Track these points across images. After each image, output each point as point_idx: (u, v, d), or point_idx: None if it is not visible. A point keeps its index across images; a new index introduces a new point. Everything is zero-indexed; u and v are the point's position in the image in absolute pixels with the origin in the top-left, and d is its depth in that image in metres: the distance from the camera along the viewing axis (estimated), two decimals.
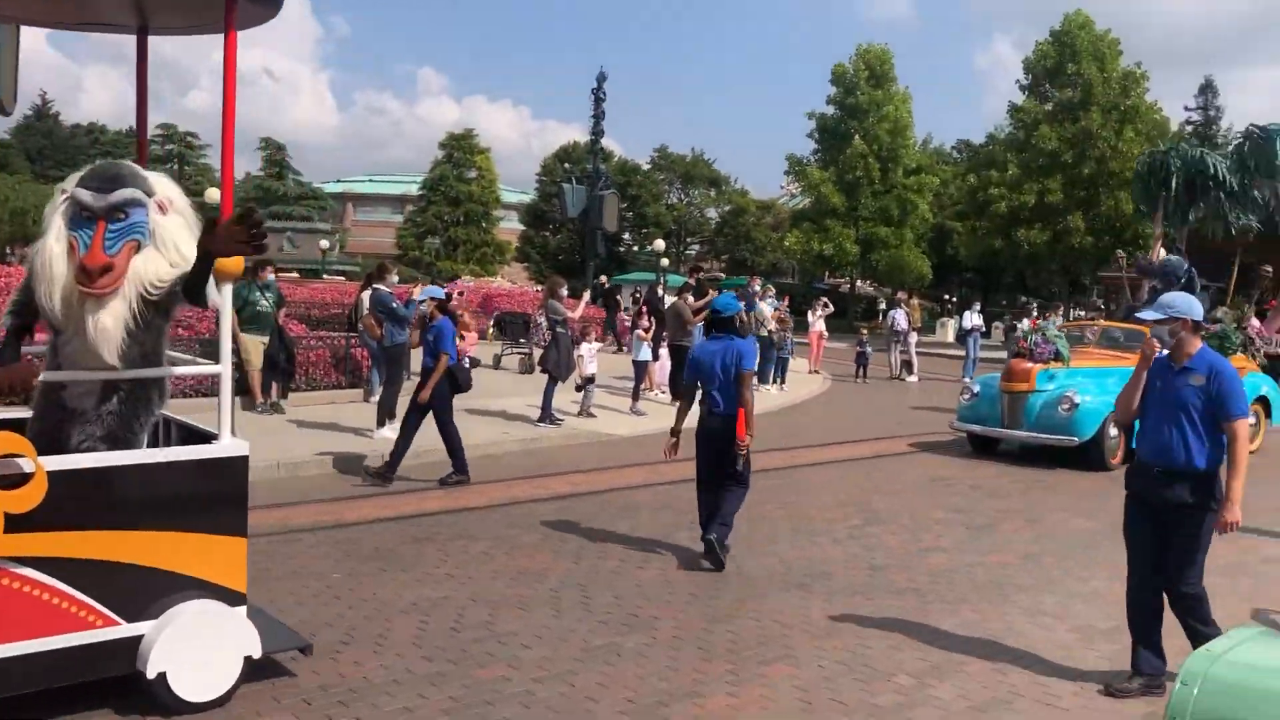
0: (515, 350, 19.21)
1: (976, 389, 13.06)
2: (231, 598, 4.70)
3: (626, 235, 65.00)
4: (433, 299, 9.95)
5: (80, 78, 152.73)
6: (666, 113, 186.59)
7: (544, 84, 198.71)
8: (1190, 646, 4.85)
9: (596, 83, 32.81)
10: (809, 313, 25.32)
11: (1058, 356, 12.55)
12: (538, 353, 15.81)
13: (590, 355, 13.56)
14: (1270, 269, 16.12)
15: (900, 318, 24.58)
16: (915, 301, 27.15)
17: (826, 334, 25.10)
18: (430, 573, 6.84)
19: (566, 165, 60.06)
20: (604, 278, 37.86)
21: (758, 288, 20.66)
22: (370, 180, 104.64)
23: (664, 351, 16.56)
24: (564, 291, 13.43)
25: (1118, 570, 7.59)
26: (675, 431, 7.60)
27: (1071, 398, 11.78)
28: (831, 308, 25.74)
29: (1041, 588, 7.10)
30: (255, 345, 12.54)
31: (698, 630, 5.91)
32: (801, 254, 52.08)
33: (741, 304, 8.76)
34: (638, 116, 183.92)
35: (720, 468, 7.29)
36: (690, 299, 16.73)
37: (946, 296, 66.57)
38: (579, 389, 13.74)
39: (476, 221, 68.42)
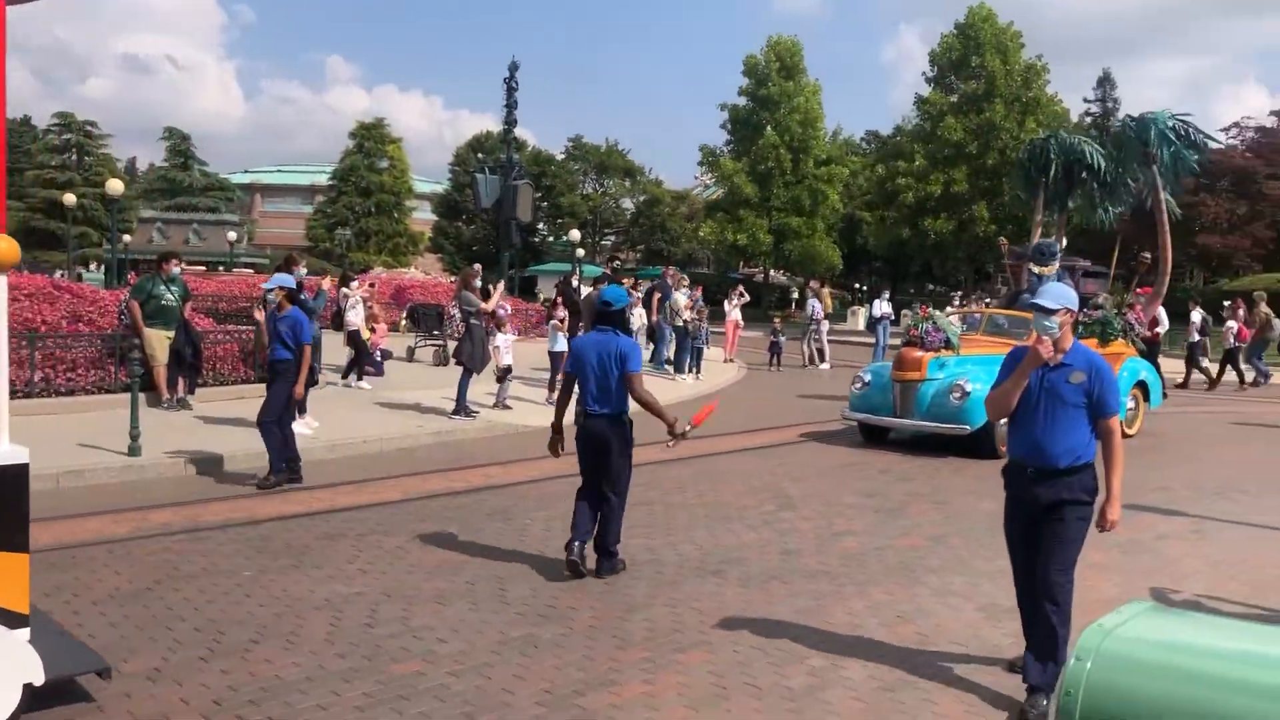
0: (429, 342, 19.03)
1: (868, 378, 12.90)
2: (8, 619, 4.20)
3: (542, 226, 64.79)
4: (282, 288, 9.45)
5: None
6: (582, 103, 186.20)
7: (456, 73, 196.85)
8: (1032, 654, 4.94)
9: (509, 72, 32.33)
10: (725, 302, 25.55)
11: (948, 344, 12.42)
12: (453, 344, 15.68)
13: (506, 346, 13.49)
14: (1149, 255, 16.25)
15: (816, 306, 24.93)
16: (826, 290, 27.52)
17: (742, 323, 25.34)
18: (343, 569, 6.76)
19: (480, 155, 59.62)
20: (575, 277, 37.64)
21: (675, 278, 20.81)
22: (279, 171, 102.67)
23: None
24: (477, 282, 13.34)
25: None
26: (556, 427, 7.04)
27: (963, 386, 11.65)
28: (748, 297, 25.99)
29: (950, 568, 7.28)
30: (160, 340, 12.24)
31: (614, 619, 5.94)
32: (716, 244, 52.53)
33: (636, 295, 8.77)
34: (552, 106, 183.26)
35: (597, 473, 6.86)
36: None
37: (857, 285, 67.66)
38: (498, 380, 13.67)
39: (388, 212, 67.66)
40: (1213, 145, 19.16)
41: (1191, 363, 22.09)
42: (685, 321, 19.42)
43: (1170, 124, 15.94)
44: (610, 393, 6.74)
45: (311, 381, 9.43)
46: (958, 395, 11.65)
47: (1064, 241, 30.48)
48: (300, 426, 11.03)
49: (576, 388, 6.98)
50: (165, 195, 68.17)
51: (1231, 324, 22.40)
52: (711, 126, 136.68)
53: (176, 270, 12.57)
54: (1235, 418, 16.61)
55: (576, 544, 6.68)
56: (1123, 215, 17.34)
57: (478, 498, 9.08)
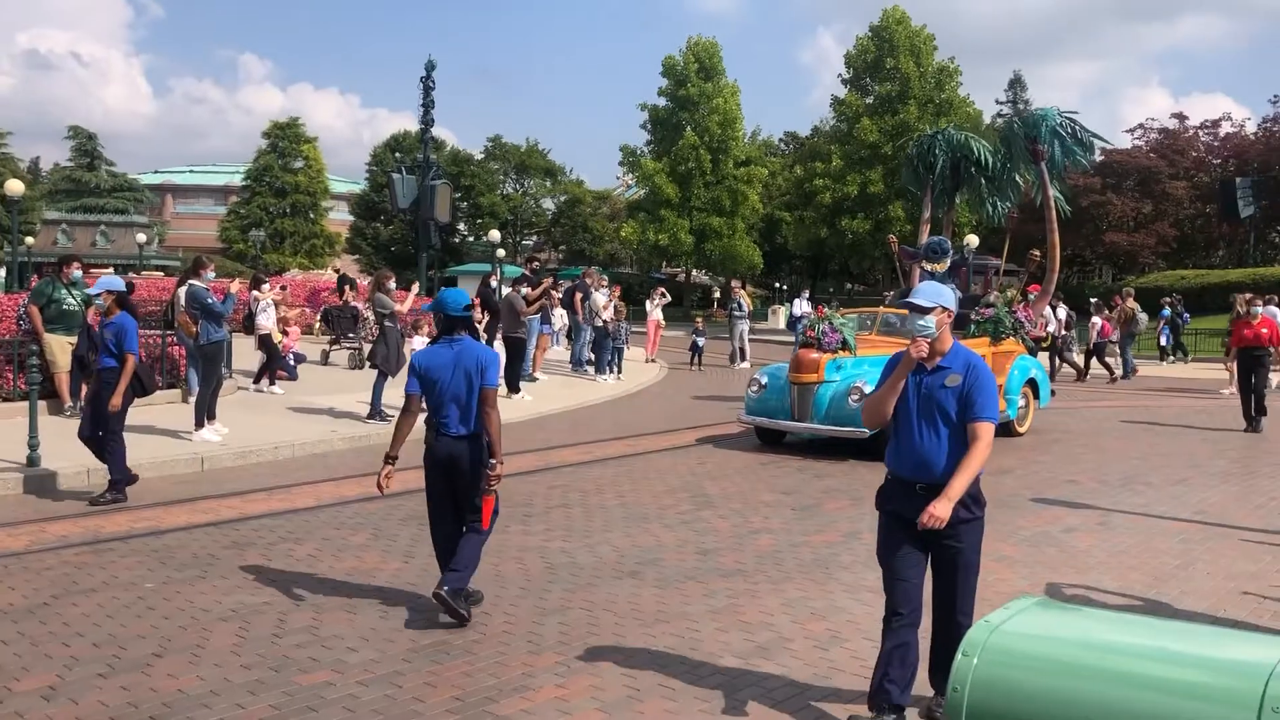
0: (344, 345, 18.74)
1: (764, 380, 12.51)
2: None
3: (462, 226, 64.31)
4: (109, 292, 8.81)
5: None
6: (502, 103, 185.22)
7: (373, 72, 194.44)
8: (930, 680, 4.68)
9: (425, 71, 32.10)
10: (647, 302, 25.61)
11: (845, 345, 12.08)
12: (368, 347, 15.46)
13: (420, 348, 13.31)
14: (1038, 253, 15.88)
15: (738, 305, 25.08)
16: (747, 289, 27.75)
17: (663, 323, 25.42)
18: (252, 578, 6.61)
19: (398, 155, 58.94)
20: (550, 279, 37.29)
21: (594, 278, 20.78)
22: (190, 171, 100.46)
23: (499, 344, 16.47)
24: (391, 284, 13.15)
25: None
26: (391, 457, 6.08)
27: (861, 388, 11.25)
28: (669, 297, 26.09)
29: (864, 564, 7.34)
30: (61, 345, 11.87)
31: (528, 624, 5.90)
32: (637, 244, 52.61)
33: (556, 296, 8.69)
34: (472, 106, 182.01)
35: (457, 503, 6.01)
36: (525, 290, 16.70)
37: (777, 284, 68.30)
38: None
39: (304, 213, 66.57)
40: (1102, 144, 19.28)
41: (1060, 356, 23.04)
42: (605, 322, 19.42)
43: (1059, 121, 15.89)
44: (472, 410, 5.89)
45: (143, 391, 8.86)
46: (856, 397, 11.30)
47: (975, 240, 31.04)
48: (209, 433, 10.81)
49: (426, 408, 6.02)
50: (71, 196, 66.04)
51: (1096, 320, 23.43)
52: (632, 126, 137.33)
53: (78, 274, 12.20)
54: (1135, 413, 17.07)
55: (445, 586, 5.75)
56: (1010, 212, 17.35)
57: (393, 503, 8.93)
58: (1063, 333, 23.10)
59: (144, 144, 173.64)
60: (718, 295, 56.68)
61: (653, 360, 24.00)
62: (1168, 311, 27.91)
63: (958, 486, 4.37)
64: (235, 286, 10.89)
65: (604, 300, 19.88)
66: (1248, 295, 16.17)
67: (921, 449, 4.53)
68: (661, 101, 52.04)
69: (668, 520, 8.55)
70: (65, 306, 11.96)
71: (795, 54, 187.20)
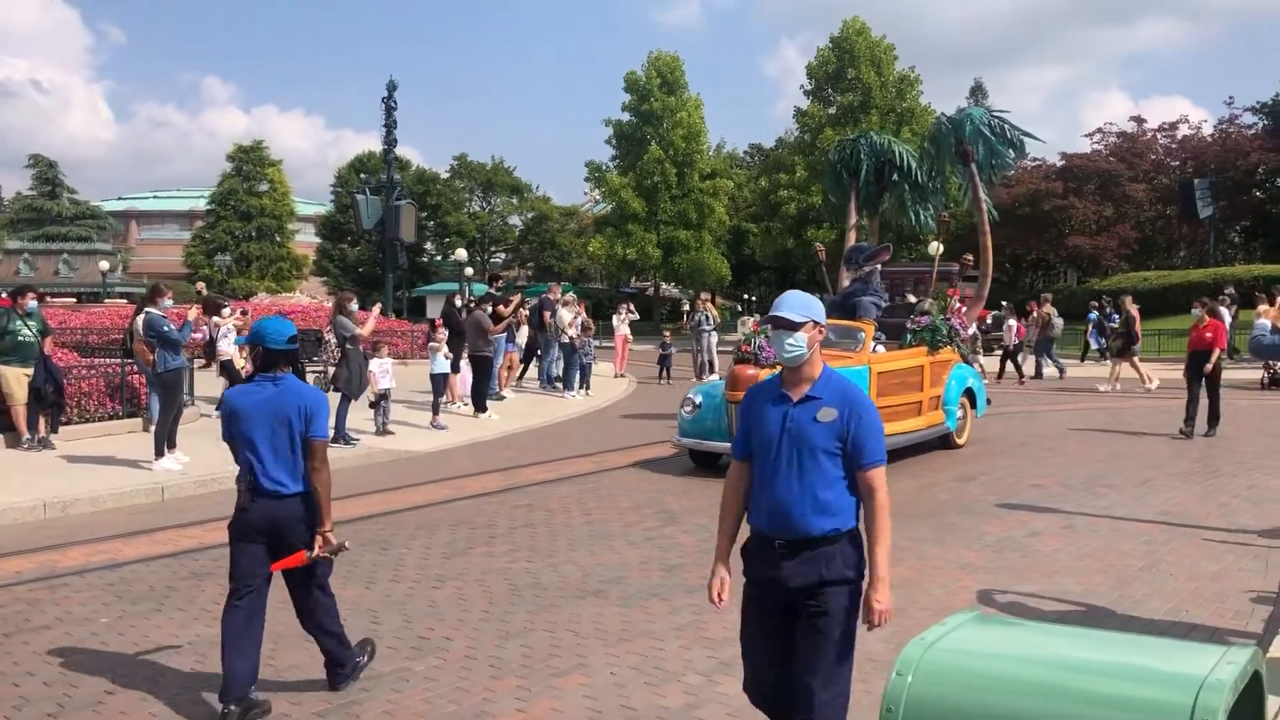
0: (309, 369, 18.56)
1: (698, 400, 11.73)
2: None
3: (429, 245, 64.15)
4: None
5: None
6: (468, 121, 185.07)
7: (338, 93, 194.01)
8: None
9: (387, 91, 32.14)
10: (614, 316, 25.60)
11: None
12: (331, 370, 15.32)
13: (383, 371, 13.23)
14: (971, 257, 15.01)
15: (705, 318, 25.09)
16: (715, 302, 27.79)
17: (631, 337, 25.40)
18: (209, 609, 6.49)
19: (362, 175, 58.69)
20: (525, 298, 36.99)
21: (558, 294, 20.74)
22: (155, 196, 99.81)
23: (465, 363, 16.42)
24: (353, 306, 13.07)
25: (897, 553, 7.93)
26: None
27: None
28: (635, 313, 26.09)
29: None
30: (17, 377, 11.69)
31: (490, 648, 5.84)
32: (606, 259, 52.62)
33: (524, 313, 8.55)
34: (438, 125, 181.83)
35: (264, 574, 5.03)
36: (489, 308, 16.65)
37: (746, 295, 68.48)
38: (372, 405, 13.41)
39: (270, 236, 66.28)
40: (1036, 143, 18.62)
41: (1012, 361, 23.78)
42: (571, 338, 19.37)
43: (986, 121, 15.18)
44: (295, 462, 5.05)
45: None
46: None
47: (939, 247, 31.11)
48: (169, 462, 10.69)
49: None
50: (33, 225, 65.37)
51: (1011, 323, 24.00)
52: (597, 142, 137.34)
53: (33, 304, 12.02)
54: (1098, 416, 17.17)
55: (233, 704, 4.74)
56: (943, 217, 16.07)
57: (355, 528, 8.84)
58: (1016, 340, 23.77)
59: (108, 170, 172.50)
60: (686, 308, 56.81)
61: (621, 375, 23.96)
62: (1094, 315, 28.54)
63: (883, 561, 3.68)
64: (193, 313, 10.76)
65: (569, 317, 19.84)
66: (1204, 300, 15.65)
67: (782, 496, 3.71)
68: (625, 117, 52.15)
69: (632, 537, 8.50)
70: (20, 338, 11.77)
71: (759, 66, 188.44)
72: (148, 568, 7.51)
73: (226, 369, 15.02)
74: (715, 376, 23.93)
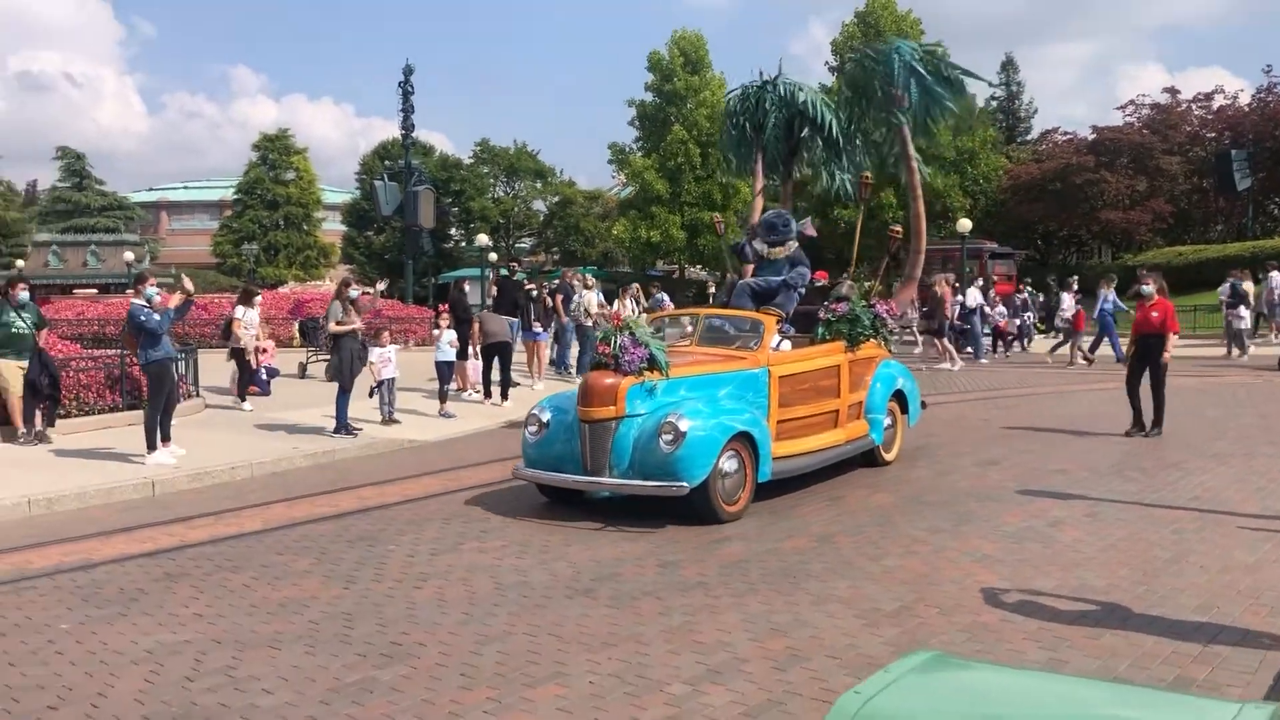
0: (320, 357, 18.32)
1: (545, 416, 8.95)
2: None
3: (454, 231, 63.89)
4: None
5: None
6: (494, 106, 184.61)
7: (366, 80, 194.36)
8: None
9: (404, 75, 31.79)
10: (615, 301, 25.19)
11: (653, 365, 8.59)
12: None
13: (383, 360, 12.84)
14: (899, 229, 11.82)
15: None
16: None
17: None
18: (176, 613, 6.19)
19: (386, 162, 58.43)
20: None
21: (575, 279, 20.37)
22: (185, 187, 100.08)
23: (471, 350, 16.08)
24: (353, 292, 12.68)
25: (909, 544, 7.57)
26: None
27: (675, 424, 8.11)
28: (642, 299, 25.65)
29: (834, 571, 6.92)
30: (12, 370, 11.47)
31: (465, 654, 5.47)
32: (630, 242, 52.12)
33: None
34: (464, 110, 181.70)
35: None
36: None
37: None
38: (371, 394, 13.06)
39: (297, 224, 66.19)
40: (979, 83, 15.04)
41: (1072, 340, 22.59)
42: (595, 322, 18.94)
43: (918, 56, 12.61)
44: None
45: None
46: (669, 438, 8.11)
47: (968, 224, 30.09)
48: (163, 455, 10.41)
49: None
50: (62, 217, 65.69)
51: (1069, 302, 23.21)
52: (621, 124, 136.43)
53: (24, 295, 11.78)
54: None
55: None
56: (864, 178, 12.09)
57: (344, 523, 8.52)
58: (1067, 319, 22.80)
59: (139, 162, 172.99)
60: (712, 290, 56.25)
61: None
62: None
63: None
64: (174, 301, 10.44)
65: (597, 299, 19.54)
66: (1148, 273, 13.15)
67: None
68: (649, 97, 51.54)
69: (631, 531, 8.10)
70: (14, 330, 11.54)
71: (786, 45, 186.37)
72: (121, 568, 7.21)
73: (237, 356, 14.80)
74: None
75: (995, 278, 32.65)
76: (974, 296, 24.19)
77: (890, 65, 12.41)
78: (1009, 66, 62.72)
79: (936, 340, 21.49)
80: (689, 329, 10.26)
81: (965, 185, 45.76)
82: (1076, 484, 9.55)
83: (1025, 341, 26.79)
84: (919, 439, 12.05)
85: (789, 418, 9.35)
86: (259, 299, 15.72)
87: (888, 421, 10.72)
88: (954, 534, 7.83)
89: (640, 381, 8.50)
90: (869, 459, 10.50)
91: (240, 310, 15.05)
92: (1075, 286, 23.98)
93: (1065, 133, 52.27)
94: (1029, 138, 58.53)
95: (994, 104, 58.94)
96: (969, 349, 24.00)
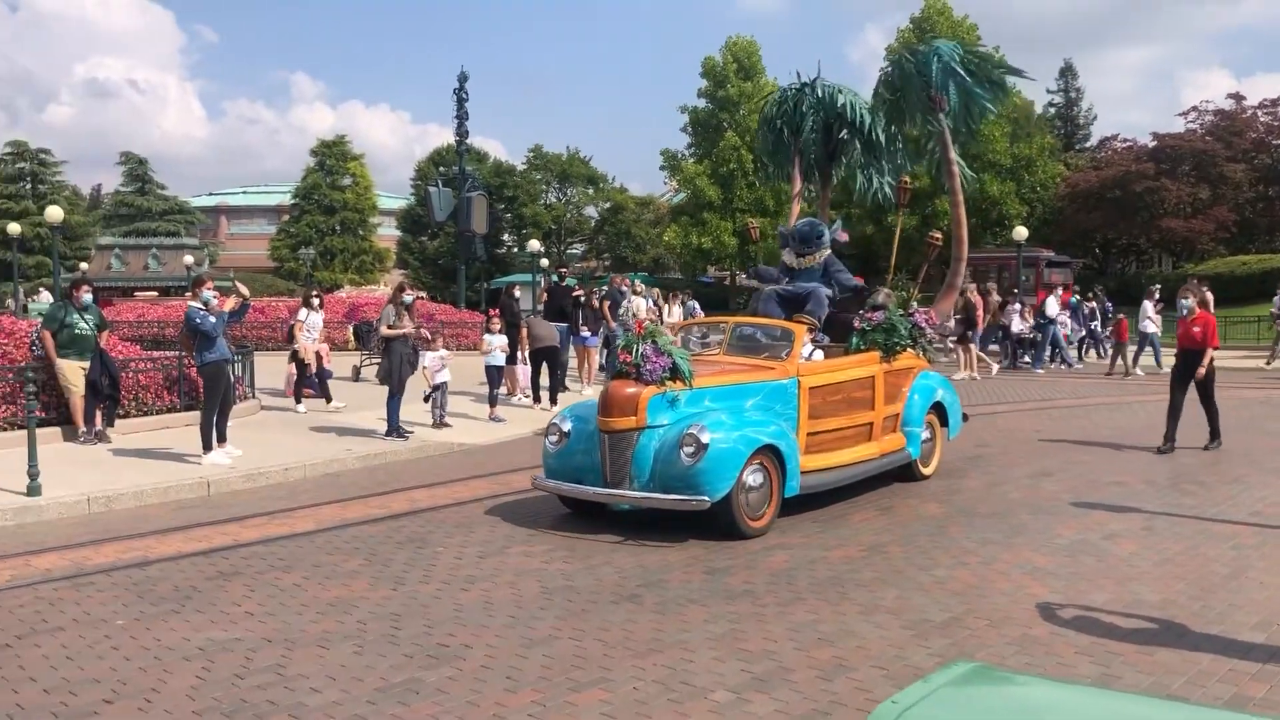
0: (373, 360, 18.50)
1: (567, 426, 8.74)
2: None
3: (506, 236, 64.31)
4: None
5: None
6: (545, 112, 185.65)
7: (422, 87, 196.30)
8: None
9: (458, 82, 31.97)
10: (670, 305, 25.26)
11: (676, 374, 8.33)
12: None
13: (436, 363, 12.95)
14: (939, 235, 11.75)
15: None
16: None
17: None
18: (228, 611, 6.28)
19: (440, 169, 58.96)
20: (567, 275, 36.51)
21: (625, 284, 20.44)
22: (244, 192, 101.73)
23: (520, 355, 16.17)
24: (408, 297, 12.80)
25: (960, 555, 7.48)
26: None
27: (697, 435, 7.87)
28: (695, 304, 25.71)
29: (882, 581, 6.86)
30: (75, 370, 11.71)
31: (510, 657, 5.49)
32: (681, 248, 52.15)
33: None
34: (516, 117, 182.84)
35: None
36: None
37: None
38: (426, 399, 13.18)
39: (353, 229, 67.04)
40: (1019, 80, 14.40)
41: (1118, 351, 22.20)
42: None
43: (958, 58, 12.01)
44: None
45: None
46: (690, 450, 7.87)
47: (1024, 231, 29.63)
48: (219, 456, 10.58)
49: None
50: (125, 221, 67.14)
51: (1152, 313, 22.66)
52: (673, 130, 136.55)
53: (88, 297, 12.04)
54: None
55: None
56: (902, 181, 12.26)
57: (394, 525, 8.60)
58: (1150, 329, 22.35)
59: (200, 166, 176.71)
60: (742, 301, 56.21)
61: None
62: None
63: None
64: (229, 305, 10.60)
65: (646, 305, 19.55)
66: (1194, 285, 12.85)
67: None
68: (701, 103, 51.59)
69: (678, 537, 8.08)
70: (78, 331, 11.80)
71: (843, 51, 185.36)
72: (176, 566, 7.32)
73: (297, 359, 14.97)
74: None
75: (1056, 287, 32.24)
76: (1053, 306, 23.58)
77: (929, 67, 11.90)
78: (1067, 72, 61.98)
79: (961, 347, 21.22)
80: (718, 338, 9.98)
81: (1022, 193, 45.21)
82: (1132, 496, 9.38)
83: (1101, 349, 26.34)
84: (971, 449, 11.92)
85: (819, 430, 9.05)
86: (319, 302, 15.89)
87: (926, 435, 10.41)
88: (1006, 545, 7.72)
89: (662, 391, 8.28)
90: (906, 473, 10.17)
91: (303, 313, 15.22)
92: (1157, 294, 23.42)
93: (1125, 140, 51.52)
94: (1087, 145, 57.73)
95: (1051, 111, 58.22)
96: (1026, 358, 23.70)
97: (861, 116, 12.89)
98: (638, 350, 8.27)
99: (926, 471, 10.42)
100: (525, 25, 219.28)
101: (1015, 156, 45.57)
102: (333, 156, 67.34)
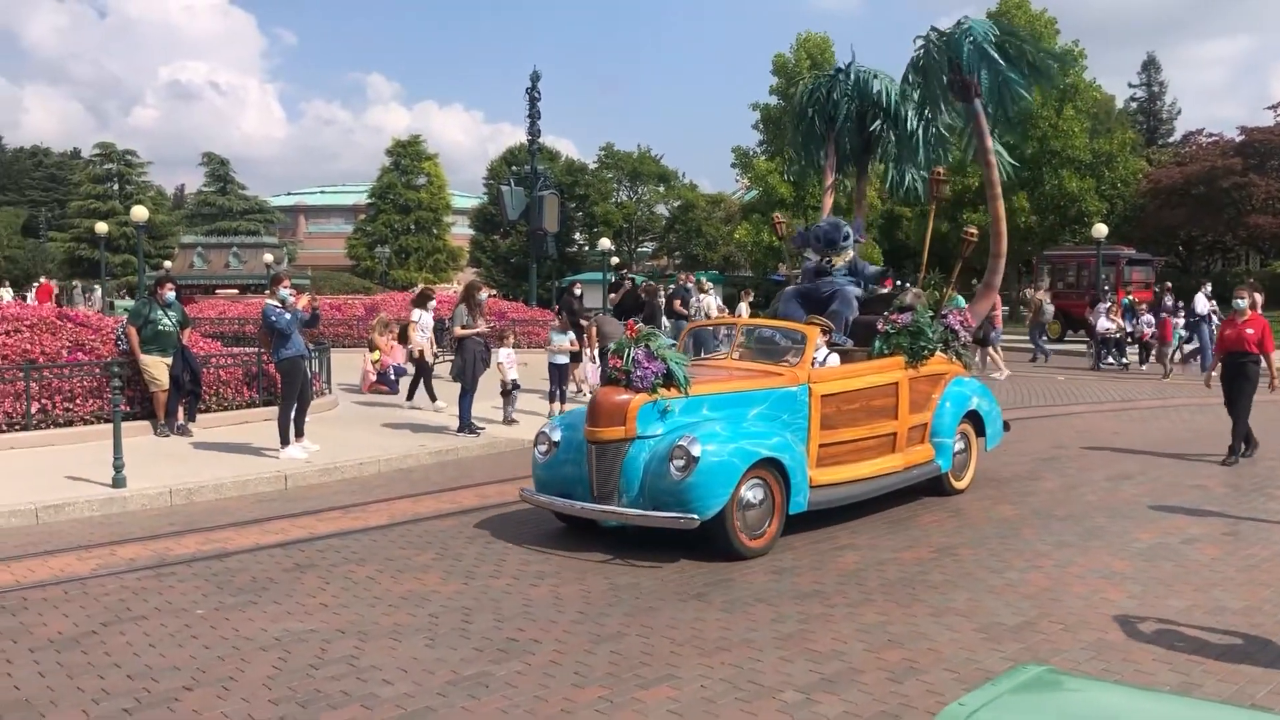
0: (446, 358, 18.72)
1: (557, 436, 8.18)
2: None
3: (578, 235, 64.58)
4: None
5: (19, 98, 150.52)
6: (620, 111, 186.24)
7: (495, 87, 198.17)
8: None
9: (531, 82, 32.24)
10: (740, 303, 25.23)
11: (669, 381, 7.75)
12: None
13: (509, 361, 13.07)
14: (975, 231, 10.52)
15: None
16: None
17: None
18: (304, 603, 6.41)
19: (513, 168, 59.47)
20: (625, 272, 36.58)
21: (691, 282, 20.44)
22: (321, 191, 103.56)
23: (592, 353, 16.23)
24: (482, 295, 12.91)
25: (1034, 558, 7.36)
26: None
27: (687, 448, 7.25)
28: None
29: (953, 583, 6.78)
30: (158, 366, 12.03)
31: (579, 652, 5.52)
32: (752, 246, 51.90)
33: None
34: (589, 115, 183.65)
35: None
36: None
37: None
38: (503, 395, 13.30)
39: (427, 228, 67.82)
40: (1059, 64, 13.29)
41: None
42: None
43: (991, 38, 11.01)
44: None
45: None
46: (680, 463, 7.27)
47: (1103, 229, 29.00)
48: (296, 450, 10.78)
49: None
50: (207, 220, 68.86)
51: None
52: (744, 127, 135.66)
53: (171, 294, 12.36)
54: (1273, 406, 15.74)
55: None
56: (936, 173, 10.97)
57: (466, 519, 8.70)
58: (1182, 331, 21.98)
59: (280, 166, 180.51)
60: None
61: None
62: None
63: None
64: (303, 302, 10.81)
65: (716, 303, 19.55)
66: (1250, 283, 12.17)
67: None
68: (773, 100, 51.24)
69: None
70: (161, 327, 12.12)
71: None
72: (253, 558, 7.49)
73: (414, 359, 15.12)
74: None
75: (1131, 285, 31.54)
76: (1202, 303, 22.47)
77: (959, 48, 10.90)
78: (1150, 66, 60.58)
79: (981, 350, 20.83)
80: (733, 340, 9.22)
81: (1101, 189, 44.17)
82: (1215, 501, 9.15)
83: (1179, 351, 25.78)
84: (1048, 450, 11.72)
85: (834, 441, 8.37)
86: (434, 302, 15.96)
87: (959, 446, 9.64)
88: (1081, 549, 7.58)
89: (654, 399, 7.66)
90: (935, 487, 9.47)
91: (416, 313, 15.29)
92: (1209, 289, 22.88)
93: (1210, 134, 50.03)
94: (1171, 140, 56.29)
95: (1134, 105, 56.89)
96: (1109, 358, 23.21)
97: (897, 105, 12.26)
98: (628, 355, 7.68)
99: (959, 485, 9.69)
100: (597, 24, 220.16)
101: (1095, 152, 44.52)
102: (407, 156, 68.18)
